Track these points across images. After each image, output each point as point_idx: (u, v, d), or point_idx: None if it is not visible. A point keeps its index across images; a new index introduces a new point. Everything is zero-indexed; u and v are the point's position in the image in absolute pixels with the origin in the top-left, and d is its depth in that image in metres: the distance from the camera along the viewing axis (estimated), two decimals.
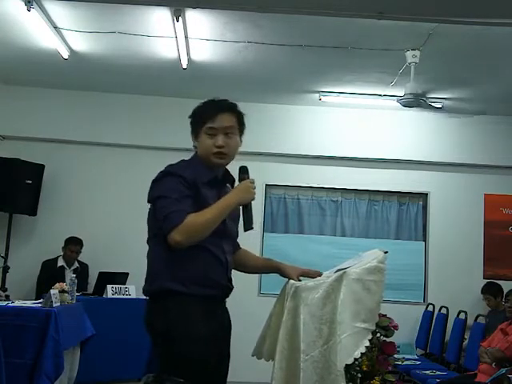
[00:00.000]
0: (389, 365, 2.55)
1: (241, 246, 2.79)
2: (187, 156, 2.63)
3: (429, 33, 4.93)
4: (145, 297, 2.53)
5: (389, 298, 6.16)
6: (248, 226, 2.53)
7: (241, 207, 2.53)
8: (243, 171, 2.57)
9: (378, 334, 2.55)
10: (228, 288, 2.56)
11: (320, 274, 2.65)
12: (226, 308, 2.60)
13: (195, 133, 2.56)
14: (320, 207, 7.34)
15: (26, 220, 6.86)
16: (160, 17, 4.88)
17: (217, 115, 2.51)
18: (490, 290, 6.45)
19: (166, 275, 2.41)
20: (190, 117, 2.60)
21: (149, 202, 2.49)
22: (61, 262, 6.57)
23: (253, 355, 2.74)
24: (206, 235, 2.39)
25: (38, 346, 4.11)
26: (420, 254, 7.19)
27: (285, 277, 2.72)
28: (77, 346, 4.97)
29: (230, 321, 2.61)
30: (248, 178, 2.55)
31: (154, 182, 2.48)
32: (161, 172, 2.48)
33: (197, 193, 2.43)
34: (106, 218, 6.98)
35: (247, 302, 6.53)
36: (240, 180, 2.55)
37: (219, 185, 2.57)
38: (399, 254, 6.86)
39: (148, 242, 2.54)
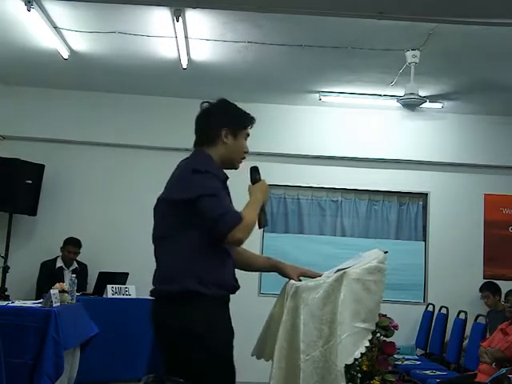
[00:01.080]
0: (389, 365, 2.55)
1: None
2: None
3: (429, 33, 4.92)
4: (156, 296, 2.47)
5: (389, 298, 6.15)
6: (266, 224, 2.60)
7: None
8: (257, 171, 2.65)
9: (378, 334, 2.56)
10: (236, 288, 2.58)
11: (320, 276, 2.66)
12: None
13: (235, 132, 2.58)
14: (320, 207, 7.34)
15: (26, 220, 6.86)
16: (160, 17, 4.87)
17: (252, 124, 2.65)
18: (489, 288, 6.49)
19: (191, 277, 2.38)
20: (229, 111, 2.61)
21: (174, 200, 2.42)
22: (59, 263, 6.56)
23: (252, 355, 2.74)
24: None
25: (38, 345, 4.11)
26: (420, 254, 7.19)
27: (284, 276, 2.73)
28: (77, 346, 4.97)
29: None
30: (260, 178, 2.63)
31: (184, 180, 2.43)
32: (189, 170, 2.44)
33: (226, 189, 2.52)
34: (106, 218, 6.98)
35: (247, 302, 6.50)
36: (254, 180, 2.61)
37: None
38: (399, 254, 6.86)
39: (164, 243, 2.47)
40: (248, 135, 2.64)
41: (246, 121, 2.62)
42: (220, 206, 2.35)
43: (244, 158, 2.64)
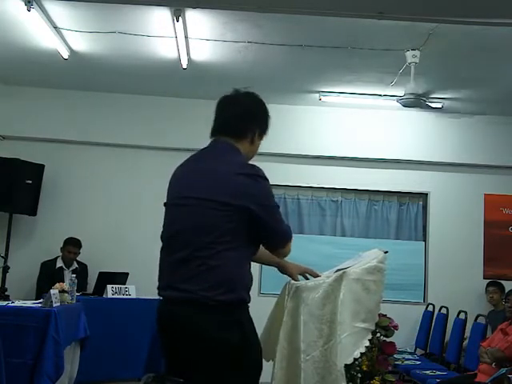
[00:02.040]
0: (389, 365, 2.55)
1: None
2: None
3: (429, 33, 4.92)
4: (196, 302, 2.26)
5: (389, 298, 6.15)
6: None
7: None
8: None
9: (378, 334, 2.56)
10: None
11: (319, 276, 2.66)
12: None
13: (261, 135, 2.55)
14: (320, 207, 7.33)
15: (26, 220, 6.86)
16: (160, 17, 4.87)
17: None
18: (497, 284, 6.52)
19: (242, 286, 2.35)
20: (265, 113, 2.56)
21: (237, 205, 2.28)
22: (60, 263, 6.56)
23: None
24: None
25: (38, 345, 4.11)
26: (420, 254, 7.19)
27: (285, 274, 2.72)
28: (77, 346, 4.97)
29: None
30: None
31: (248, 183, 2.31)
32: (254, 175, 2.34)
33: None
34: (106, 218, 6.98)
35: None
36: None
37: None
38: (399, 254, 6.85)
39: (218, 248, 2.28)
40: None
41: (268, 127, 2.59)
42: (282, 219, 2.47)
43: None
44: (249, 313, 2.42)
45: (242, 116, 2.48)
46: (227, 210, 2.28)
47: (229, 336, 2.26)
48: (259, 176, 2.34)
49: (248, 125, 2.47)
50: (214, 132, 2.51)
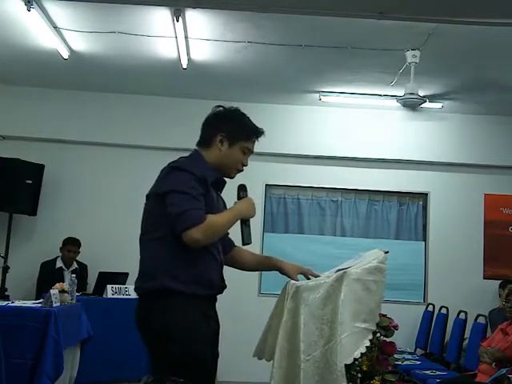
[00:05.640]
0: (389, 365, 2.55)
1: (235, 244, 2.79)
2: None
3: (429, 33, 4.93)
4: (137, 293, 2.52)
5: (389, 298, 6.15)
6: (248, 241, 2.58)
7: (239, 221, 2.57)
8: (244, 189, 2.64)
9: (378, 334, 2.56)
10: (222, 287, 2.58)
11: (319, 277, 2.66)
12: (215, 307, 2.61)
13: (231, 140, 2.55)
14: (320, 207, 7.33)
15: (26, 220, 6.86)
16: (160, 17, 4.88)
17: (256, 140, 2.62)
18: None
19: (167, 274, 2.38)
20: (231, 119, 2.58)
21: (154, 195, 2.45)
22: (59, 263, 6.55)
23: (254, 356, 2.74)
24: (218, 238, 2.47)
25: (38, 345, 4.10)
26: (420, 254, 7.19)
27: (284, 275, 2.73)
28: (77, 346, 4.97)
29: (218, 320, 2.61)
30: (247, 196, 2.62)
31: (163, 176, 2.45)
32: (169, 167, 2.45)
33: (207, 191, 2.44)
34: (105, 218, 6.97)
35: (247, 302, 6.53)
36: (241, 197, 2.60)
37: (218, 188, 2.60)
38: (399, 253, 6.86)
39: (143, 238, 2.53)
40: (249, 150, 2.60)
41: (249, 135, 2.58)
42: (183, 204, 2.31)
43: (241, 170, 2.62)
44: (185, 304, 2.38)
45: (204, 125, 2.62)
46: (149, 202, 2.51)
47: (150, 321, 2.41)
48: (176, 168, 2.43)
49: (210, 131, 2.59)
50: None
